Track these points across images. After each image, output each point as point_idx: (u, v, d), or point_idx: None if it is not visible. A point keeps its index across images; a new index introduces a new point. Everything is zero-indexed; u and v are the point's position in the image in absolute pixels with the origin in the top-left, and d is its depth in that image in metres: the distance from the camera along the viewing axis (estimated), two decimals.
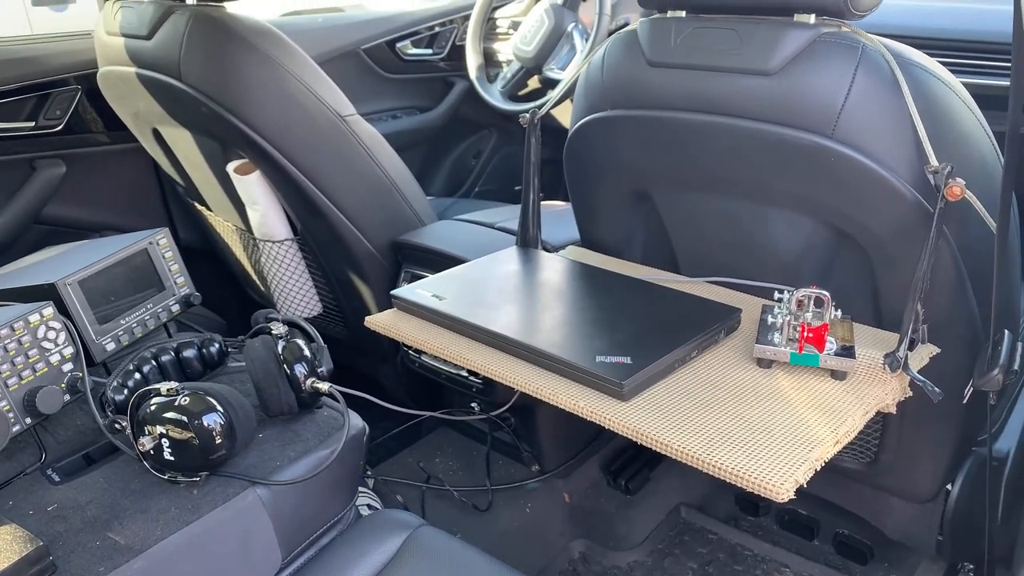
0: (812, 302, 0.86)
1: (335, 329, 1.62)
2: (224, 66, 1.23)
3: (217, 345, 1.08)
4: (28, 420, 0.92)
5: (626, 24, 1.97)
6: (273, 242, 1.44)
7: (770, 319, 0.90)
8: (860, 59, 0.83)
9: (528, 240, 1.17)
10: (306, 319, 1.56)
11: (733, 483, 0.70)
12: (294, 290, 1.51)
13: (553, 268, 1.10)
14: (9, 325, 0.91)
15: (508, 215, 1.51)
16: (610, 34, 1.94)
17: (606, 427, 0.78)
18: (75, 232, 1.74)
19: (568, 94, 1.88)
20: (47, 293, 1.00)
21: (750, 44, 0.89)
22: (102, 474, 0.94)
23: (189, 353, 1.07)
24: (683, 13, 0.95)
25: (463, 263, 1.29)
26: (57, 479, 0.94)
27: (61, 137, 1.66)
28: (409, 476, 1.53)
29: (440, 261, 1.34)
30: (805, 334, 0.84)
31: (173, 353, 1.05)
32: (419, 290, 1.02)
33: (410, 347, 1.41)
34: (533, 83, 2.09)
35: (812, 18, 0.87)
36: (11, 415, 0.90)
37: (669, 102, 0.96)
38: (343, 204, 1.35)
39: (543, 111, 1.15)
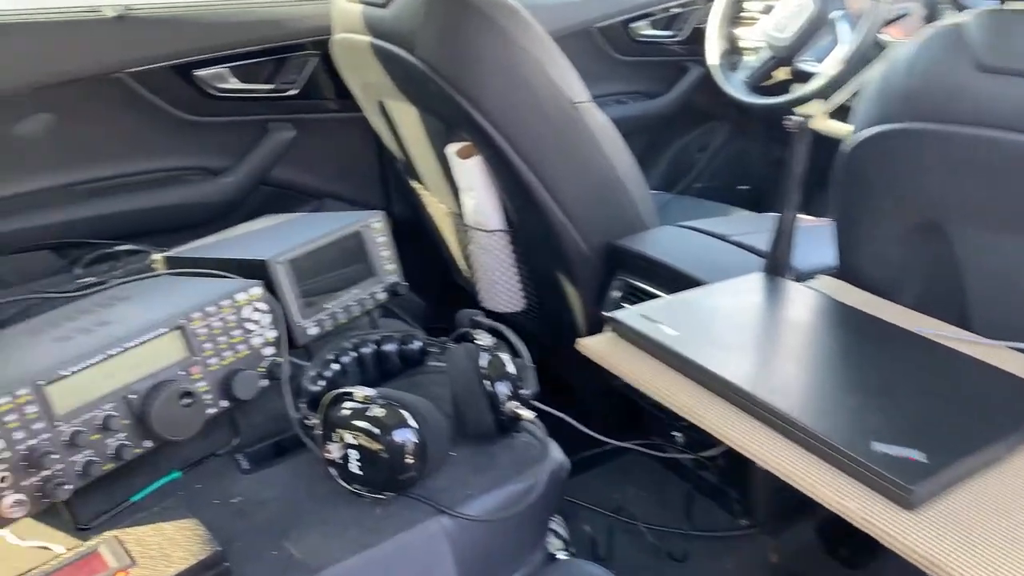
0: None
1: (535, 327, 1.51)
2: (459, 42, 1.14)
3: (419, 343, 1.01)
4: (224, 403, 0.88)
5: (904, 15, 1.69)
6: (484, 231, 1.35)
7: None
8: None
9: (777, 266, 0.99)
10: (507, 313, 1.48)
11: None
12: (499, 282, 1.42)
13: (809, 306, 0.91)
14: (216, 303, 0.87)
15: (742, 226, 1.32)
16: (886, 24, 1.67)
17: (884, 544, 0.60)
18: (297, 196, 1.77)
19: (819, 92, 1.65)
20: (258, 269, 0.96)
21: None
22: (288, 468, 0.89)
23: (389, 348, 1.00)
24: None
25: (687, 279, 1.14)
26: (246, 466, 0.91)
27: (294, 101, 1.67)
28: (597, 500, 1.40)
29: (661, 274, 1.18)
30: None
31: (374, 346, 0.99)
32: (644, 316, 0.87)
33: None
34: (780, 74, 1.85)
35: None
36: (208, 397, 0.86)
37: (1003, 119, 0.74)
38: (563, 199, 1.23)
39: (814, 116, 0.96)
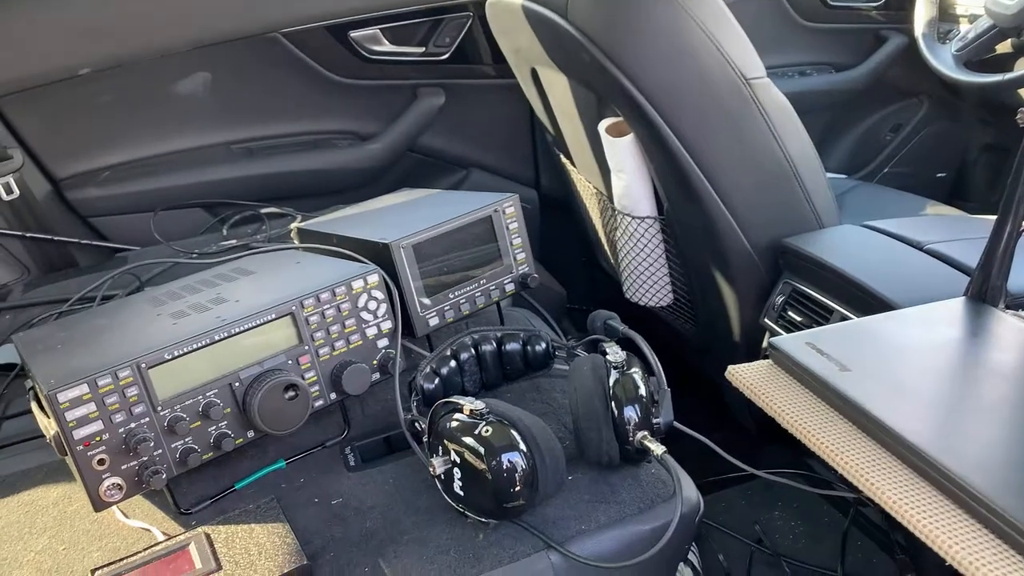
0: None
1: (683, 325, 1.38)
2: (618, 7, 1.01)
3: (544, 345, 0.91)
4: (333, 396, 0.83)
5: None
6: (633, 217, 1.23)
7: None
8: None
9: (987, 290, 0.80)
10: (652, 307, 1.35)
11: None
12: (645, 274, 1.30)
13: None
14: (331, 289, 0.82)
15: (942, 231, 1.11)
16: None
17: None
18: (444, 165, 1.71)
19: None
20: (380, 252, 0.90)
21: None
22: (394, 471, 0.83)
23: (512, 347, 0.91)
24: None
25: (867, 293, 0.97)
26: (352, 463, 0.85)
27: (446, 66, 1.60)
28: (736, 524, 1.26)
29: (836, 283, 1.01)
30: None
31: (495, 345, 0.91)
32: (812, 347, 0.72)
33: None
34: (1002, 48, 1.57)
35: None
36: (315, 388, 0.81)
37: None
38: (725, 189, 1.08)
39: None
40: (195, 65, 1.46)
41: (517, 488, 0.68)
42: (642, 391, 0.74)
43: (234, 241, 1.34)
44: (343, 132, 1.62)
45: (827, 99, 1.90)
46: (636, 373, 0.76)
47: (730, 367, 0.75)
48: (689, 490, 0.76)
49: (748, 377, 0.73)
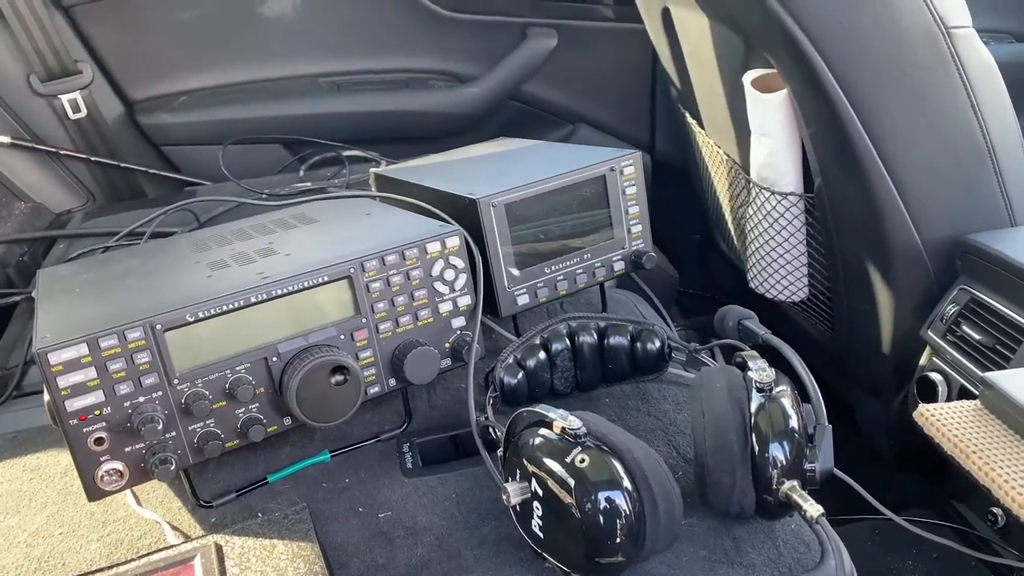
0: None
1: (818, 328, 1.16)
2: None
3: (658, 344, 0.72)
4: (392, 382, 0.67)
5: None
6: (773, 192, 1.02)
7: None
8: None
9: None
10: (781, 301, 1.14)
11: None
12: (779, 261, 1.09)
13: None
14: (400, 251, 0.65)
15: None
16: None
17: None
18: (548, 117, 1.53)
19: None
20: (467, 210, 0.73)
21: None
22: (459, 483, 0.67)
23: (617, 342, 0.73)
24: None
25: None
26: (410, 463, 0.70)
27: (561, 3, 1.41)
28: (861, 565, 1.05)
29: None
30: None
31: (596, 336, 0.73)
32: None
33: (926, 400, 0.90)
34: None
35: None
36: (371, 371, 0.65)
37: None
38: (898, 165, 0.87)
39: None
40: None
41: (617, 540, 0.51)
42: (794, 424, 0.55)
43: (309, 184, 1.20)
44: (440, 72, 1.45)
45: (1011, 73, 1.61)
46: (786, 398, 0.57)
47: (922, 407, 0.55)
48: (845, 559, 0.57)
49: (950, 423, 0.53)
